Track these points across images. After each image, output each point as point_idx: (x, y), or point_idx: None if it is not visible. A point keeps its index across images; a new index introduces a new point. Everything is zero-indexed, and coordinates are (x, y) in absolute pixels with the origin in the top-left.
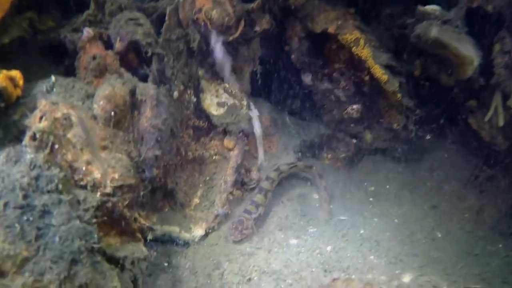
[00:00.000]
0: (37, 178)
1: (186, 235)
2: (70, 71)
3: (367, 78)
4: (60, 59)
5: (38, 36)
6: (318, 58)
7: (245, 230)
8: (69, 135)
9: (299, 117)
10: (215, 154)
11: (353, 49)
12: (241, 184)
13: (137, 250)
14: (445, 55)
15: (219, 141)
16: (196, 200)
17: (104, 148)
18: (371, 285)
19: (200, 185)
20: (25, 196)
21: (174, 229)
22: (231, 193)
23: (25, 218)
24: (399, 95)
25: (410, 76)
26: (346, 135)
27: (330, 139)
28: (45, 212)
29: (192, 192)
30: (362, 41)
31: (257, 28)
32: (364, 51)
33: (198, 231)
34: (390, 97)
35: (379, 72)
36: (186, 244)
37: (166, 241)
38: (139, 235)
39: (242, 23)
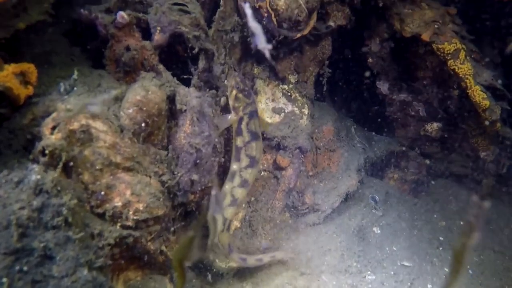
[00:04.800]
0: (41, 209)
1: (220, 265)
2: (98, 60)
3: (456, 93)
4: (88, 44)
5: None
6: (399, 64)
7: None
8: (87, 152)
9: (367, 128)
10: (264, 170)
11: (450, 62)
12: (291, 208)
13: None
14: None
15: (270, 155)
16: (236, 224)
17: (129, 169)
18: None
19: (243, 206)
20: (21, 236)
21: (207, 257)
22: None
23: (17, 268)
24: (498, 125)
25: None
26: (418, 154)
27: (400, 157)
28: (45, 258)
29: None
30: (462, 54)
31: (331, 23)
32: (463, 67)
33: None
34: (486, 126)
35: (479, 96)
36: (220, 275)
37: (197, 268)
38: (164, 268)
39: (314, 16)
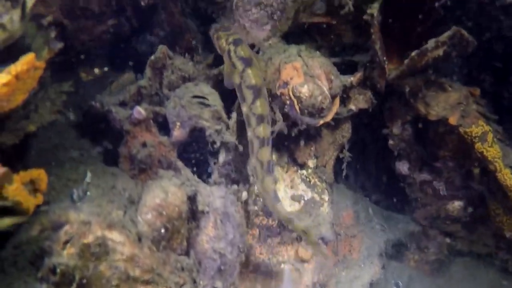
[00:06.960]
0: None
1: None
2: (111, 156)
3: (477, 171)
4: (100, 137)
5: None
6: (420, 144)
7: None
8: (102, 267)
9: (385, 207)
10: (284, 263)
11: (477, 145)
12: None
13: None
14: None
15: (291, 246)
16: None
17: (148, 282)
18: None
19: None
20: None
21: None
22: None
23: None
24: None
25: None
26: (439, 233)
27: (420, 237)
28: None
29: None
30: (490, 136)
31: (352, 107)
32: (492, 150)
33: None
34: None
35: (510, 180)
36: None
37: None
38: None
39: (337, 102)
